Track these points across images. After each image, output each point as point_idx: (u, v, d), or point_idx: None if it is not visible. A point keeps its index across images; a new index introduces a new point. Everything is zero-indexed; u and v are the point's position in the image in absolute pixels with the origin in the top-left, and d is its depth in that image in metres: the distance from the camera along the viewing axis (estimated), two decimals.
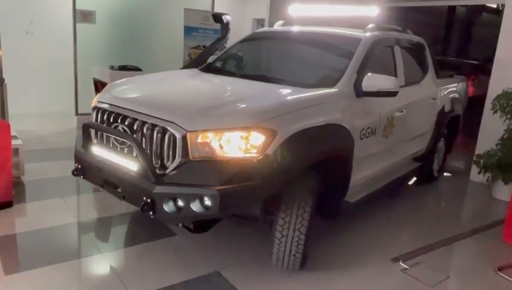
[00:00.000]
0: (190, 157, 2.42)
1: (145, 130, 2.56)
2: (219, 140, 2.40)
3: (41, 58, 7.05)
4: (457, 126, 5.55)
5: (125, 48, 7.09)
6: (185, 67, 4.36)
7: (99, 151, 2.87)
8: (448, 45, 14.60)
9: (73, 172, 3.04)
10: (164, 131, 2.47)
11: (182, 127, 2.41)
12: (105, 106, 2.91)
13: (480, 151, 5.13)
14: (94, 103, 3.07)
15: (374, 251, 3.39)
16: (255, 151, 2.40)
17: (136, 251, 3.14)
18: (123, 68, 5.62)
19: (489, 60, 6.21)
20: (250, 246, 3.28)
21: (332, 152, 2.91)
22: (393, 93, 3.07)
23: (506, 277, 3.13)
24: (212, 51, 4.51)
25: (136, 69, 6.03)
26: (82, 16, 6.43)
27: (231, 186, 2.33)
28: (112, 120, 2.78)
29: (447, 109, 4.95)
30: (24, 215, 3.64)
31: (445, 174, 5.65)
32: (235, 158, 2.40)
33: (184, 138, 2.41)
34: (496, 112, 4.78)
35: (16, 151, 4.16)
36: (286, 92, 2.93)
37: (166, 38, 7.52)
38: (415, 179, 4.98)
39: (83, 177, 3.01)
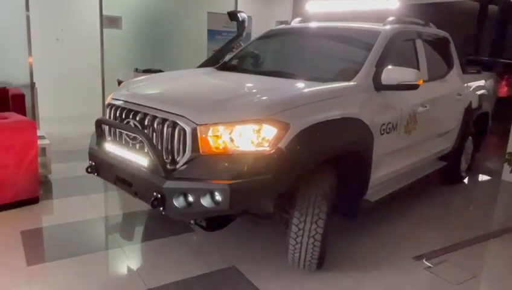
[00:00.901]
0: (200, 151, 2.38)
1: (155, 125, 2.55)
2: (230, 133, 2.36)
3: (70, 64, 7.32)
4: (486, 124, 5.33)
5: (150, 51, 7.26)
6: (201, 66, 4.37)
7: (112, 148, 2.87)
8: (480, 43, 14.12)
9: (87, 169, 3.04)
10: (174, 125, 2.45)
11: (191, 121, 2.39)
12: (118, 102, 2.93)
13: (510, 149, 4.93)
14: (108, 100, 3.10)
15: (396, 249, 3.28)
16: (267, 144, 2.35)
17: (154, 246, 3.17)
18: (147, 71, 5.74)
19: None
20: (268, 242, 3.25)
21: (350, 147, 2.82)
22: (414, 86, 2.96)
23: None
24: (227, 50, 4.47)
25: (160, 71, 6.14)
26: (108, 22, 6.64)
27: (242, 180, 2.27)
28: (124, 116, 2.79)
29: (474, 105, 4.77)
30: (49, 211, 3.75)
31: (474, 174, 5.43)
32: (246, 152, 2.35)
33: (194, 131, 2.37)
34: None
35: (44, 150, 4.31)
36: (301, 86, 2.90)
37: (190, 42, 7.65)
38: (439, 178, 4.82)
39: (97, 175, 3.00)
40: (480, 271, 3.03)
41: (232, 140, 2.36)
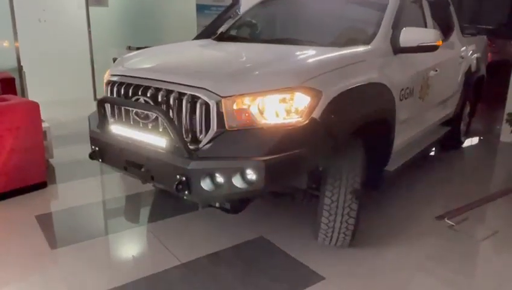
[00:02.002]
0: (226, 126, 2.18)
1: (171, 101, 2.29)
2: (258, 105, 2.18)
3: (55, 45, 6.99)
4: (481, 88, 5.41)
5: (139, 29, 7.01)
6: (197, 37, 4.15)
7: (118, 129, 2.60)
8: (460, 11, 14.29)
9: (90, 156, 2.77)
10: (194, 99, 2.22)
11: (215, 93, 2.17)
12: (121, 79, 2.63)
13: (509, 110, 5.03)
14: (107, 77, 2.78)
15: (416, 213, 3.32)
16: (300, 115, 2.19)
17: (177, 222, 3.11)
18: (141, 49, 5.53)
19: (504, 25, 6.07)
20: (290, 213, 3.23)
21: (379, 114, 2.74)
22: (433, 48, 2.91)
23: None
24: (224, 19, 4.21)
25: None
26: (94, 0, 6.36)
27: (277, 156, 2.08)
28: (130, 93, 2.50)
29: (473, 69, 4.81)
30: (59, 195, 3.62)
31: (472, 138, 5.54)
32: (277, 125, 2.18)
33: (218, 105, 2.17)
34: None
35: (44, 134, 4.14)
36: (321, 52, 2.71)
37: (178, 18, 7.42)
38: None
39: (102, 161, 2.75)
40: (501, 226, 3.11)
41: (260, 112, 2.18)
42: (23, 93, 5.58)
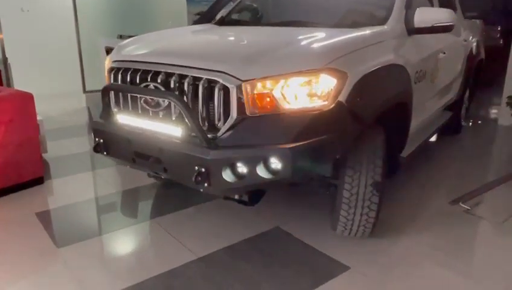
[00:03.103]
0: (247, 113, 2.05)
1: (185, 86, 2.14)
2: (282, 88, 2.04)
3: (41, 35, 6.69)
4: (480, 72, 5.39)
5: (127, 17, 6.76)
6: (195, 22, 3.96)
7: (125, 119, 2.44)
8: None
9: (95, 149, 2.56)
10: (211, 84, 2.09)
11: (235, 77, 2.04)
12: (125, 64, 2.46)
13: (507, 94, 5.03)
14: (109, 64, 2.62)
15: (429, 198, 3.26)
16: (325, 99, 2.06)
17: (186, 215, 2.98)
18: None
19: (488, 11, 6.10)
20: (303, 202, 3.14)
21: (400, 97, 2.64)
22: (449, 28, 2.82)
23: None
24: (223, 4, 3.97)
25: None
26: None
27: (304, 143, 1.94)
28: (138, 79, 2.34)
29: (474, 52, 4.77)
30: (57, 191, 3.44)
31: (471, 122, 5.54)
32: (302, 109, 2.05)
33: (239, 89, 2.03)
34: None
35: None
36: (338, 33, 2.55)
37: (168, 5, 7.19)
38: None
39: (107, 154, 2.55)
40: None
41: (284, 96, 2.04)
42: (9, 85, 5.32)
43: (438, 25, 2.81)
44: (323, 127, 2.03)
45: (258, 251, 2.53)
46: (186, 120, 2.08)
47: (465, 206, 3.08)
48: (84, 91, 6.44)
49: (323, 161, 2.12)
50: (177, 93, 2.19)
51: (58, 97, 6.58)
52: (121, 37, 5.24)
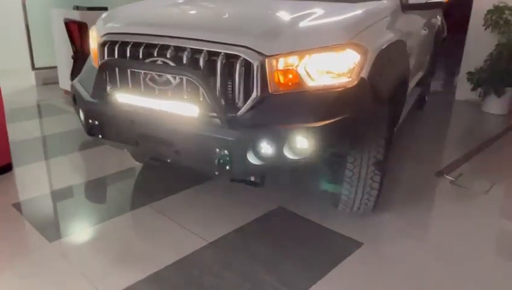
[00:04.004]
0: (270, 90, 1.95)
1: (201, 61, 2.00)
2: (306, 64, 1.95)
3: None
4: (442, 48, 5.61)
5: None
6: None
7: (126, 98, 2.23)
8: None
9: (89, 132, 2.37)
10: (230, 59, 1.95)
11: (259, 52, 1.92)
12: (123, 37, 2.24)
13: (465, 70, 5.31)
14: (97, 37, 2.40)
15: (415, 172, 3.38)
16: (350, 75, 2.00)
17: (184, 197, 2.84)
18: (92, 10, 4.87)
19: None
20: (303, 179, 3.12)
21: (404, 74, 2.64)
22: (441, 4, 2.89)
23: None
24: None
25: (105, 9, 5.28)
26: None
27: (330, 121, 1.88)
28: (141, 54, 2.15)
29: (440, 29, 4.96)
30: (32, 178, 3.12)
31: (431, 97, 5.79)
32: (327, 86, 1.97)
33: (262, 65, 1.92)
34: (487, 27, 4.91)
35: None
36: (348, 6, 2.42)
37: None
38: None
39: (103, 137, 2.37)
40: (495, 178, 3.27)
41: (308, 73, 1.97)
42: None
43: (430, 1, 2.85)
44: (347, 104, 1.98)
45: (269, 232, 2.47)
46: (207, 99, 1.94)
47: (450, 178, 3.23)
48: (33, 68, 5.86)
49: (346, 141, 2.09)
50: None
51: (3, 75, 5.94)
52: (77, 8, 4.78)
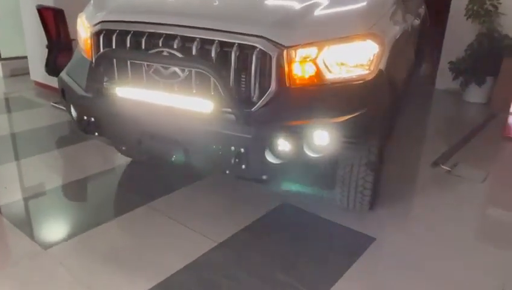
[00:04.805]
0: (288, 84, 1.83)
1: (212, 53, 1.85)
2: (325, 56, 1.83)
3: None
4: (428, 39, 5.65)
5: None
6: None
7: (125, 92, 2.05)
8: None
9: (84, 129, 2.23)
10: (245, 51, 1.82)
11: (277, 43, 1.79)
12: (121, 25, 2.05)
13: (445, 59, 5.39)
14: (92, 26, 2.16)
15: (411, 164, 3.38)
16: (369, 67, 1.90)
17: (182, 195, 2.70)
18: None
19: None
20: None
21: (411, 65, 2.61)
22: None
23: None
24: None
25: None
26: None
27: (352, 116, 1.79)
28: (143, 44, 1.99)
29: (425, 19, 4.98)
30: (12, 178, 2.88)
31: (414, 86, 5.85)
32: (346, 79, 1.87)
33: (280, 57, 1.80)
34: (469, 17, 4.98)
35: None
36: None
37: None
38: None
39: (99, 134, 2.24)
40: (489, 167, 3.32)
41: (327, 65, 1.84)
42: None
43: None
44: (367, 98, 1.90)
45: (278, 229, 2.39)
46: (223, 93, 1.80)
47: (446, 168, 3.25)
48: (0, 58, 5.46)
49: (367, 135, 2.01)
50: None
51: None
52: None
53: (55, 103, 4.40)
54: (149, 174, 3.00)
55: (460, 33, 5.25)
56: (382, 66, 1.97)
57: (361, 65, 1.91)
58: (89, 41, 2.23)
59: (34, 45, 4.80)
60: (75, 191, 2.78)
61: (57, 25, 3.85)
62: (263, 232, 2.35)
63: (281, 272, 2.02)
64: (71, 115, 2.34)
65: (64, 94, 2.38)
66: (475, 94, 5.13)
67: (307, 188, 2.79)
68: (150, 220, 2.44)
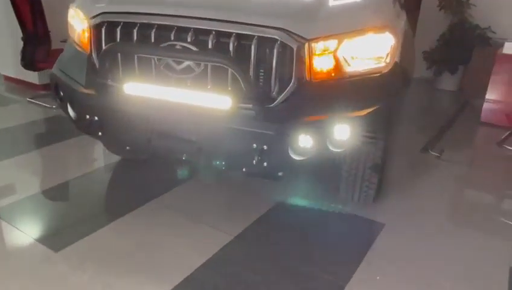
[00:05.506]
0: (308, 77, 1.79)
1: (230, 46, 1.78)
2: (345, 48, 1.81)
3: None
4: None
5: None
6: None
7: (137, 89, 1.92)
8: None
9: (86, 129, 2.11)
10: (263, 44, 1.77)
11: (298, 35, 1.75)
12: (126, 17, 1.94)
13: (418, 49, 5.58)
14: (90, 18, 2.01)
15: (401, 150, 3.49)
16: (386, 59, 1.89)
17: (186, 191, 2.66)
18: None
19: None
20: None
21: (413, 57, 2.65)
22: None
23: (509, 147, 3.58)
24: None
25: None
26: None
27: (372, 109, 1.79)
28: (153, 37, 1.89)
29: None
30: (4, 179, 2.73)
31: None
32: (364, 71, 1.86)
33: (301, 49, 1.75)
34: (441, 8, 5.19)
35: None
36: None
37: None
38: None
39: (102, 135, 2.10)
40: (473, 153, 3.51)
41: (346, 57, 1.82)
42: None
43: None
44: (385, 91, 1.92)
45: (290, 221, 2.41)
46: (244, 88, 1.75)
47: (435, 153, 3.40)
48: None
49: (384, 129, 2.04)
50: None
51: None
52: None
53: (32, 98, 4.18)
54: (144, 172, 2.91)
55: (432, 23, 5.45)
56: (397, 58, 2.02)
57: (380, 57, 1.92)
58: (86, 34, 2.09)
59: (4, 37, 4.51)
60: (72, 190, 2.67)
61: (34, 15, 3.64)
62: (276, 224, 2.37)
63: (302, 263, 2.05)
64: (68, 114, 2.19)
65: (57, 91, 2.23)
66: (447, 82, 5.37)
67: (311, 182, 2.83)
68: (157, 216, 2.39)
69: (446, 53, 5.16)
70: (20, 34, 3.76)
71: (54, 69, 2.28)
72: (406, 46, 2.33)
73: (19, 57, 3.81)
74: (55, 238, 2.15)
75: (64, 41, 3.22)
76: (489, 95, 4.15)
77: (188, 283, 1.89)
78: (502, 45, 4.26)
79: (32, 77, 4.39)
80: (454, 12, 5.14)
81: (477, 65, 4.99)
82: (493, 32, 4.96)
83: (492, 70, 4.11)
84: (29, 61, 3.81)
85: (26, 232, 2.19)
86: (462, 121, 4.29)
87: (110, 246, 2.12)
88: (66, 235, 2.18)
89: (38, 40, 3.77)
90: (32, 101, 4.15)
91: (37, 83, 4.44)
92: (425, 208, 2.60)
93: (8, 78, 4.78)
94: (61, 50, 2.43)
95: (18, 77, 4.59)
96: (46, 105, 4.02)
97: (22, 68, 3.89)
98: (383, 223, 2.40)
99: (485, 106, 4.19)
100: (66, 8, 2.32)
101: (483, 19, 5.04)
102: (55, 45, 3.79)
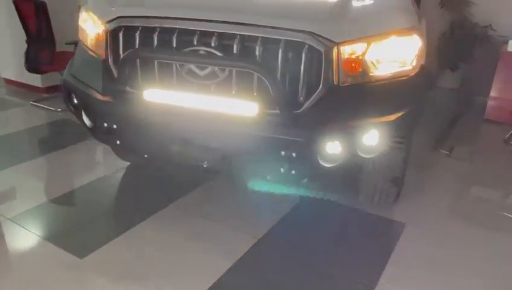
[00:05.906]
0: (336, 82, 1.76)
1: (257, 51, 1.75)
2: (373, 52, 1.79)
3: None
4: None
5: None
6: None
7: (157, 95, 1.87)
8: None
9: (103, 137, 2.07)
10: (290, 48, 1.74)
11: (327, 38, 1.72)
12: (145, 22, 1.89)
13: None
14: (106, 22, 1.97)
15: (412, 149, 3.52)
16: (413, 62, 1.88)
17: (201, 194, 2.65)
18: None
19: None
20: None
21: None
22: None
23: None
24: None
25: None
26: None
27: (402, 113, 1.77)
28: (174, 42, 1.84)
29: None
30: (14, 186, 2.68)
31: None
32: (391, 75, 1.85)
33: (329, 53, 1.72)
34: (442, 6, 5.22)
35: None
36: None
37: None
38: None
39: (120, 143, 2.04)
40: (482, 149, 3.54)
41: (374, 61, 1.80)
42: None
43: None
44: (413, 94, 1.91)
45: (312, 221, 2.41)
46: (273, 94, 1.70)
47: (445, 152, 3.43)
48: None
49: (410, 135, 2.04)
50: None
51: None
52: None
53: (36, 102, 4.11)
54: (159, 175, 2.88)
55: (433, 21, 5.48)
56: (423, 61, 2.02)
57: (407, 61, 1.90)
58: (101, 39, 2.03)
59: (5, 40, 4.43)
60: (86, 195, 2.64)
61: (39, 18, 3.58)
62: (299, 224, 2.37)
63: (327, 265, 2.05)
64: (82, 122, 2.13)
65: (70, 98, 2.17)
66: (448, 80, 5.40)
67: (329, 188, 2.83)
68: (178, 219, 2.37)
69: (447, 51, 5.20)
70: (21, 36, 3.70)
71: (66, 75, 2.21)
72: (427, 49, 2.36)
73: (23, 60, 3.75)
74: (78, 245, 2.12)
75: (69, 43, 3.17)
76: (494, 93, 4.19)
77: (218, 285, 1.88)
78: (502, 43, 4.32)
79: (34, 79, 4.32)
80: (455, 10, 5.17)
81: (478, 63, 5.04)
82: (493, 30, 5.01)
83: (496, 68, 4.15)
84: (34, 64, 3.75)
85: (50, 239, 2.15)
86: (466, 119, 4.33)
87: (133, 251, 2.10)
88: (89, 241, 2.15)
89: (43, 42, 3.71)
90: (37, 104, 4.08)
91: (40, 86, 4.37)
92: (443, 207, 2.62)
93: (8, 81, 4.69)
94: (66, 52, 2.38)
95: (18, 80, 4.52)
96: (51, 108, 3.96)
97: (24, 71, 3.82)
98: (403, 223, 2.41)
99: (489, 103, 4.23)
100: (71, 10, 2.25)
101: (483, 17, 5.08)
102: (59, 47, 3.74)
